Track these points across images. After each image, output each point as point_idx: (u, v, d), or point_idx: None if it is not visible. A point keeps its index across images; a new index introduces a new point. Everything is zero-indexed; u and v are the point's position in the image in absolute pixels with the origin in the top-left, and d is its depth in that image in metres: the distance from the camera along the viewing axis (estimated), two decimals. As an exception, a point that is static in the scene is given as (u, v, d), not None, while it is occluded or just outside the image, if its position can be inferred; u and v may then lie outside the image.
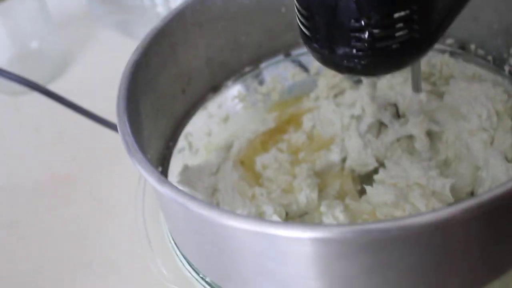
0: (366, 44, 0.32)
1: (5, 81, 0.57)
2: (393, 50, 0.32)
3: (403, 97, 0.47)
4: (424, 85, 0.48)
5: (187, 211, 0.32)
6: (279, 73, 0.52)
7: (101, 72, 0.71)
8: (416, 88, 0.43)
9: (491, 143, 0.43)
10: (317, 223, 0.41)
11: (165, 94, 0.45)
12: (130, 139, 0.36)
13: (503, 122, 0.43)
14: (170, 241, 0.41)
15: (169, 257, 0.41)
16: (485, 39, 0.46)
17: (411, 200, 0.40)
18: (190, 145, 0.47)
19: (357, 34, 0.32)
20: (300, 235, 0.28)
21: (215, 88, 0.49)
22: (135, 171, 0.45)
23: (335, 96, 0.50)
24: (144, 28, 0.44)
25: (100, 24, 0.77)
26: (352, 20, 0.32)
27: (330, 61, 0.35)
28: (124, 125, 0.37)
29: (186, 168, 0.45)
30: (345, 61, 0.34)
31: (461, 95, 0.45)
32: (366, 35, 0.32)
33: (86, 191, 0.58)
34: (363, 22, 0.32)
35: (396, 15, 0.31)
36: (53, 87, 0.65)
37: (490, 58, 0.46)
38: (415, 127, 0.44)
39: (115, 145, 0.53)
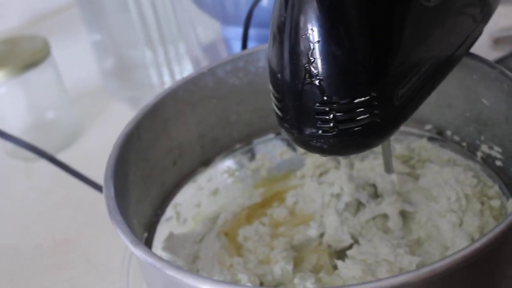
0: (330, 126, 0.35)
1: (17, 147, 0.61)
2: (356, 133, 0.35)
3: (381, 178, 0.49)
4: (403, 168, 0.50)
5: (157, 272, 0.34)
6: (268, 151, 0.55)
7: (110, 143, 0.74)
8: (388, 169, 0.46)
9: (460, 224, 0.45)
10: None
11: (156, 165, 0.48)
12: (112, 202, 0.39)
13: (472, 205, 0.45)
14: None
15: None
16: (459, 126, 0.48)
17: (378, 276, 0.42)
18: (178, 214, 0.50)
19: (321, 117, 0.35)
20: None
21: (206, 162, 0.52)
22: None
23: (320, 175, 0.53)
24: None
25: (113, 98, 0.82)
26: (317, 104, 0.35)
27: (300, 140, 0.37)
28: (108, 190, 0.40)
29: (171, 236, 0.47)
30: (313, 141, 0.36)
31: (434, 178, 0.47)
32: (330, 118, 0.35)
33: (82, 255, 0.60)
34: (326, 106, 0.35)
35: (357, 100, 0.34)
36: (63, 155, 0.69)
37: (464, 144, 0.48)
38: (389, 207, 0.46)
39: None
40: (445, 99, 0.47)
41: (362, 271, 0.42)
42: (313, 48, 0.34)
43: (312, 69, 0.34)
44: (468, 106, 0.46)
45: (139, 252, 0.35)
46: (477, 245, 0.32)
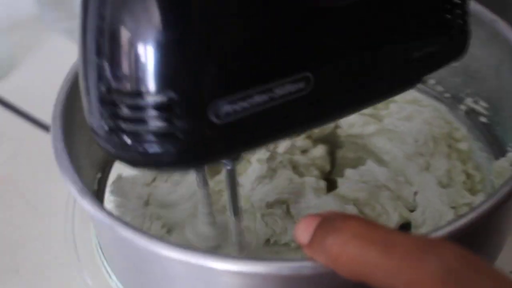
0: (115, 124, 0.26)
1: None
2: (147, 142, 0.25)
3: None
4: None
5: (103, 225, 0.31)
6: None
7: (46, 77, 0.69)
8: (235, 211, 0.35)
9: (427, 168, 0.44)
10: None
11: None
12: (60, 144, 0.35)
13: (439, 148, 0.44)
14: (98, 252, 0.41)
15: (96, 268, 0.41)
16: (445, 76, 0.46)
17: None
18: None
19: (106, 108, 0.26)
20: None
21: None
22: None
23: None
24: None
25: (50, 29, 0.76)
26: (102, 89, 0.25)
27: (91, 131, 0.27)
28: (56, 130, 0.36)
29: (119, 178, 0.44)
30: (98, 137, 0.27)
31: (400, 119, 0.46)
32: (116, 112, 0.25)
33: (20, 194, 0.56)
34: (113, 95, 0.25)
35: (149, 98, 0.25)
36: (-5, 89, 0.64)
37: (447, 95, 0.47)
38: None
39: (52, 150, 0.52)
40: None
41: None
42: (101, 9, 0.25)
43: (100, 38, 0.25)
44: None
45: (87, 205, 0.32)
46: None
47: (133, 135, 0.25)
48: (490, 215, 0.30)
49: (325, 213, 0.26)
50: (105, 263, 0.40)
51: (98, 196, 0.43)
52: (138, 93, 0.25)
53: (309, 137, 0.48)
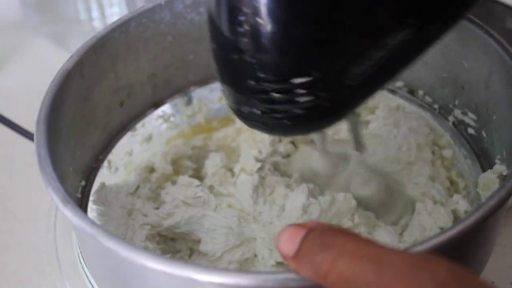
0: (267, 107, 0.31)
1: None
2: (298, 116, 0.31)
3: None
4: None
5: (85, 234, 0.31)
6: (206, 96, 0.50)
7: (29, 81, 0.69)
8: (359, 147, 0.41)
9: (409, 174, 0.44)
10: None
11: (100, 106, 0.44)
12: (44, 151, 0.34)
13: (423, 155, 0.44)
14: (80, 261, 0.40)
15: (77, 278, 0.40)
16: (434, 87, 0.46)
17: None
18: (109, 163, 0.46)
19: (257, 96, 0.31)
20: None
21: (157, 104, 0.48)
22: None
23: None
24: (79, 41, 0.43)
25: (34, 33, 0.75)
26: (251, 82, 0.30)
27: (240, 117, 0.33)
28: (40, 136, 0.35)
29: (102, 187, 0.43)
30: (252, 120, 0.32)
31: (385, 124, 0.46)
32: (266, 97, 0.30)
33: (0, 201, 0.55)
34: (261, 85, 0.30)
35: (296, 81, 0.29)
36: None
37: (436, 106, 0.46)
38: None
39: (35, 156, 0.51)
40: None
41: None
42: (244, 17, 0.28)
43: (244, 41, 0.29)
44: (446, 66, 0.44)
45: (69, 214, 0.31)
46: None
47: (284, 112, 0.30)
48: (477, 228, 0.30)
49: (311, 224, 0.26)
50: (87, 272, 0.39)
51: (81, 204, 0.42)
52: (287, 79, 0.29)
53: (292, 142, 0.48)
